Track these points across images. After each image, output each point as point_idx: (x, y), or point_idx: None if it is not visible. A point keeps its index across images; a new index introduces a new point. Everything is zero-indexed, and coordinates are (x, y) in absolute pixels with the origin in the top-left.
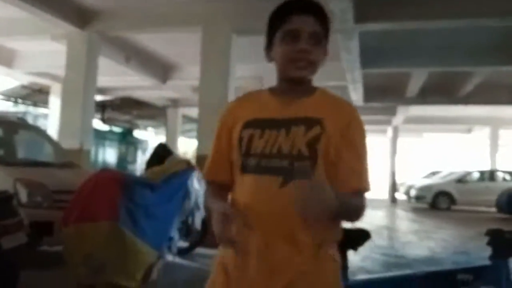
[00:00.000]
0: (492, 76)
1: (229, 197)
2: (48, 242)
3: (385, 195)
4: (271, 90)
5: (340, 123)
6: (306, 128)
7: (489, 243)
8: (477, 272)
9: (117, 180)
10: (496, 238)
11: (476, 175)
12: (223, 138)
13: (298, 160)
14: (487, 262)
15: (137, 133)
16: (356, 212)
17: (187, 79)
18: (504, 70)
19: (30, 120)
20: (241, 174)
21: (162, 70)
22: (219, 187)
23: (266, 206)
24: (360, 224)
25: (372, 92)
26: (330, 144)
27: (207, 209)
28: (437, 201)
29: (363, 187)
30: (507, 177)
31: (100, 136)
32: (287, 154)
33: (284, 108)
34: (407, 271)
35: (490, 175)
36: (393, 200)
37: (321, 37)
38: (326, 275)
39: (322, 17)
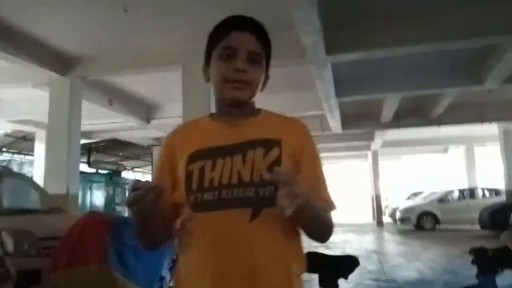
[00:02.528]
0: (460, 96)
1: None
2: None
3: (370, 219)
4: (211, 116)
5: (295, 143)
6: (265, 151)
7: (473, 262)
8: None
9: (105, 222)
10: (479, 257)
11: (457, 194)
12: (165, 173)
13: (262, 186)
14: (475, 281)
15: (124, 174)
16: (327, 225)
17: (170, 117)
18: (472, 90)
19: (15, 167)
20: (194, 213)
21: (145, 110)
22: None
23: (238, 244)
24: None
25: (349, 119)
26: (289, 165)
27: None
28: (421, 222)
29: (329, 206)
30: (487, 193)
31: (87, 179)
32: (249, 181)
33: (232, 132)
34: None
35: (470, 193)
36: (380, 223)
37: (260, 57)
38: None
39: (263, 36)
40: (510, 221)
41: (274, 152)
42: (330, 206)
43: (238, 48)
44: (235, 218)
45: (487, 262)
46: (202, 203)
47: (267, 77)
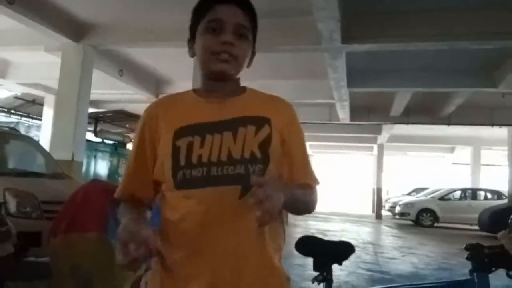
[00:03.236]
0: (472, 97)
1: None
2: (35, 253)
3: (369, 210)
4: (196, 91)
5: (283, 121)
6: (256, 128)
7: (468, 258)
8: (457, 286)
9: (107, 191)
10: (475, 253)
11: (458, 193)
12: (146, 148)
13: (252, 164)
14: (468, 277)
15: (129, 146)
16: (308, 204)
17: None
18: (484, 92)
19: (22, 130)
20: (178, 190)
21: (155, 84)
22: (133, 205)
23: (226, 222)
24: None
25: (358, 110)
26: (278, 143)
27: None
28: (420, 218)
29: (314, 182)
30: (489, 195)
31: (92, 148)
32: (239, 158)
33: (219, 108)
34: (388, 285)
35: (472, 194)
36: (378, 216)
37: (247, 31)
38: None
39: (249, 10)
40: (508, 221)
41: (265, 130)
42: (314, 181)
43: (224, 21)
44: (225, 195)
45: (482, 259)
46: (191, 180)
47: (253, 54)
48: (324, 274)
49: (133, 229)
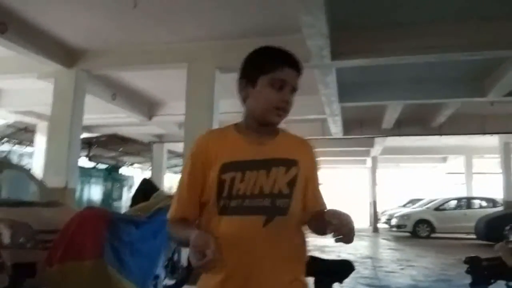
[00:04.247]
0: (463, 107)
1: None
2: (31, 283)
3: (366, 224)
4: (237, 128)
5: (307, 162)
6: (286, 169)
7: (468, 271)
8: None
9: (102, 217)
10: (474, 266)
11: (453, 203)
12: (198, 176)
13: (279, 198)
14: None
15: (122, 170)
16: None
17: (172, 114)
18: (474, 101)
19: (15, 159)
20: (219, 215)
21: (148, 106)
22: (186, 223)
23: (252, 244)
24: (344, 254)
25: (350, 124)
26: (302, 181)
27: (180, 242)
28: (417, 229)
29: (326, 207)
30: (484, 203)
31: (86, 174)
32: (268, 193)
33: (259, 149)
34: None
35: (467, 203)
36: (375, 229)
37: (297, 89)
38: None
39: (301, 74)
40: (504, 232)
41: (293, 171)
42: (326, 207)
43: (288, 82)
44: (251, 222)
45: (481, 272)
46: (228, 208)
47: None
48: None
49: (207, 238)
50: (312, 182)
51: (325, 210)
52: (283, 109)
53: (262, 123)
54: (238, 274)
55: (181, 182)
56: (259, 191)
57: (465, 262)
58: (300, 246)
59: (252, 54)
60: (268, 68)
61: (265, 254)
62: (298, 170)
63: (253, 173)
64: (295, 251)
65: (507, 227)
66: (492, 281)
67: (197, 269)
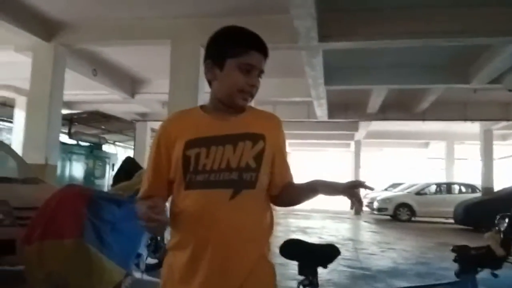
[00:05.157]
0: (446, 94)
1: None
2: (9, 261)
3: (348, 207)
4: (203, 108)
5: (274, 137)
6: (253, 143)
7: (456, 260)
8: None
9: (83, 196)
10: (462, 255)
11: (434, 188)
12: (162, 157)
13: (246, 172)
14: (450, 274)
15: (105, 148)
16: None
17: (156, 93)
18: (457, 88)
19: None
20: (185, 190)
21: (131, 84)
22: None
23: (217, 218)
24: (326, 236)
25: (335, 108)
26: (269, 155)
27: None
28: (398, 213)
29: (293, 179)
30: (463, 189)
31: (67, 151)
32: (235, 167)
33: (223, 125)
34: None
35: (447, 188)
36: (357, 212)
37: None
38: (269, 277)
39: (267, 57)
40: (495, 221)
41: (260, 145)
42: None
43: (255, 67)
44: (218, 196)
45: (469, 261)
46: (195, 183)
47: None
48: (310, 279)
49: (151, 202)
50: (279, 156)
51: (317, 182)
52: (249, 92)
53: (228, 105)
54: (204, 249)
55: (147, 165)
56: (226, 165)
57: (453, 250)
58: (267, 223)
59: (219, 35)
60: (236, 52)
61: (231, 229)
62: (265, 144)
63: (218, 148)
64: (262, 227)
65: (498, 217)
66: (479, 269)
67: (150, 232)
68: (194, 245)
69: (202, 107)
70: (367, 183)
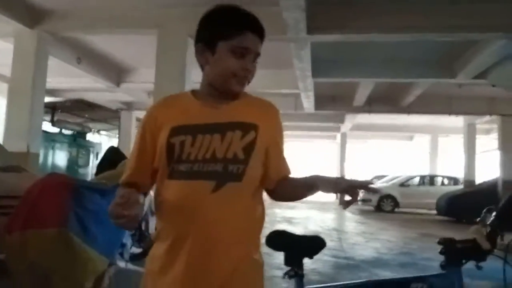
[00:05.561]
0: (431, 88)
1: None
2: None
3: (333, 198)
4: (194, 94)
5: (269, 127)
6: (243, 133)
7: (442, 252)
8: (431, 281)
9: (65, 184)
10: (448, 247)
11: (417, 180)
12: (147, 143)
13: (232, 163)
14: (435, 266)
15: (89, 136)
16: None
17: (142, 82)
18: (442, 82)
19: None
20: (168, 179)
21: (116, 72)
22: (129, 188)
23: (197, 211)
24: (311, 226)
25: (322, 100)
26: (262, 146)
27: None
28: (381, 204)
29: (290, 172)
30: (446, 181)
31: (50, 139)
32: (221, 158)
33: (214, 112)
34: (361, 280)
35: (430, 180)
36: (342, 202)
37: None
38: (254, 278)
39: (264, 38)
40: (481, 215)
41: (250, 136)
42: (291, 173)
43: (250, 50)
44: (199, 188)
45: (455, 253)
46: (177, 172)
47: None
48: (295, 269)
49: (119, 198)
50: (275, 148)
51: (317, 178)
52: (244, 77)
53: (222, 91)
54: (184, 241)
55: (132, 150)
56: (211, 156)
57: (439, 243)
58: (255, 218)
59: (210, 15)
60: (229, 34)
61: (212, 223)
62: (256, 134)
63: (205, 136)
64: (249, 222)
65: (484, 210)
66: (464, 261)
67: (120, 227)
68: (174, 236)
69: (193, 92)
70: (373, 186)
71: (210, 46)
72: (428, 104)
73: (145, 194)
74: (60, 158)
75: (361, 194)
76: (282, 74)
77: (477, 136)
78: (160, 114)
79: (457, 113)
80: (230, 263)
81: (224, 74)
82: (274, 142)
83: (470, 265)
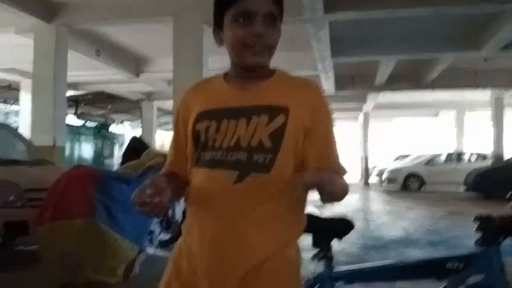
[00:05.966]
0: (455, 62)
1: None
2: (23, 241)
3: (357, 179)
4: (226, 76)
5: (306, 110)
6: (269, 118)
7: (479, 229)
8: (467, 259)
9: (92, 175)
10: (486, 224)
11: (443, 157)
12: (180, 131)
13: (258, 152)
14: (465, 244)
15: (112, 128)
16: (344, 192)
17: (160, 71)
18: (466, 56)
19: (0, 117)
20: (194, 167)
21: (135, 63)
22: (168, 176)
23: (219, 202)
24: (337, 208)
25: (342, 80)
26: (295, 133)
27: None
28: (407, 183)
29: (340, 172)
30: (473, 158)
31: (75, 132)
32: (245, 146)
33: (241, 95)
34: (396, 261)
35: (457, 157)
36: (366, 183)
37: (276, 17)
38: (284, 276)
39: None
40: None
41: (279, 121)
42: (342, 172)
43: (255, 12)
44: (220, 178)
45: (493, 230)
46: (202, 161)
47: (280, 34)
48: (324, 252)
49: (155, 180)
50: (315, 135)
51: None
52: (257, 44)
53: (243, 67)
54: (206, 234)
55: (171, 139)
56: (235, 143)
57: (476, 219)
58: (288, 215)
59: None
60: (228, 2)
61: (232, 216)
62: (287, 118)
63: (230, 122)
64: (277, 217)
65: None
66: (502, 238)
67: (146, 215)
68: (197, 228)
69: (225, 74)
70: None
71: (219, 24)
72: (453, 79)
73: (186, 183)
74: (85, 150)
75: (386, 173)
76: (300, 56)
77: (504, 110)
78: (190, 99)
79: (483, 86)
80: (253, 259)
81: (235, 47)
82: (315, 128)
83: (507, 242)
